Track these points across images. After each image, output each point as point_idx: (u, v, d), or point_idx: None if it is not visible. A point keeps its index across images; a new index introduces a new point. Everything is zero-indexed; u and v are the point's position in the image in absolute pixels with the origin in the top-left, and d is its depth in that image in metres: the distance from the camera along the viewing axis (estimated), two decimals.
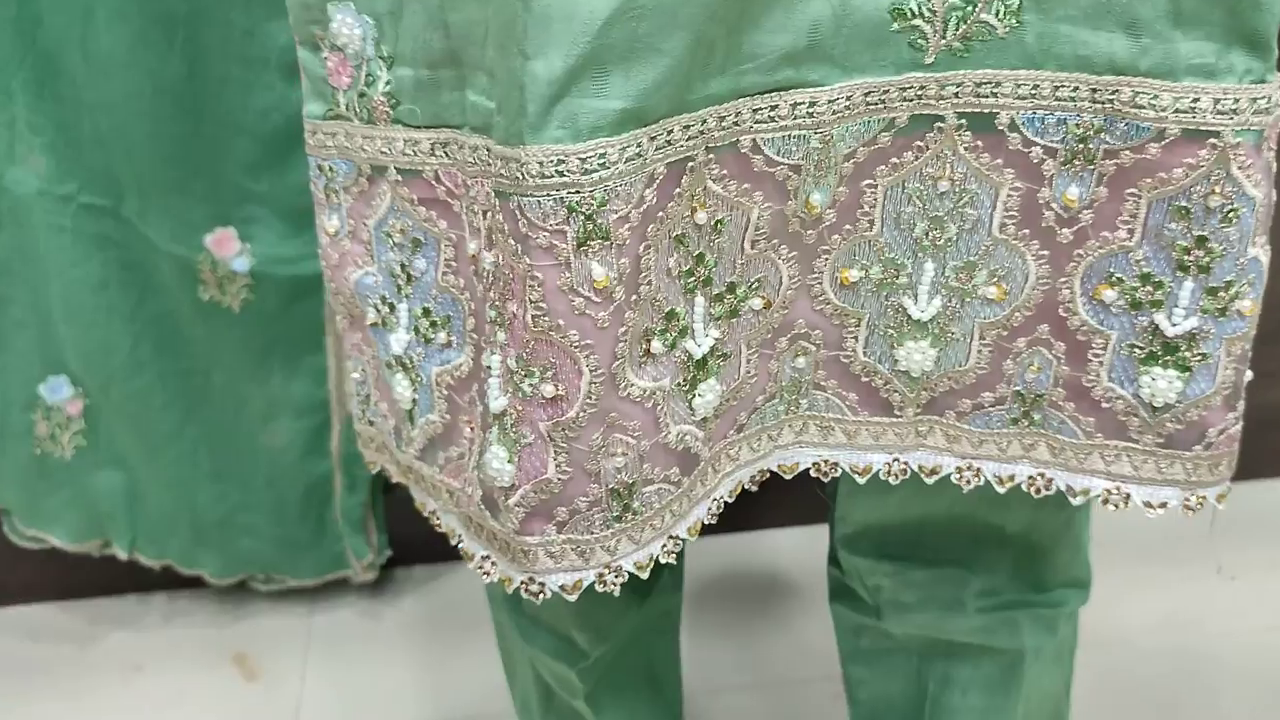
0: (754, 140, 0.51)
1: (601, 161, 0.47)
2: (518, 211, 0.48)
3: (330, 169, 0.61)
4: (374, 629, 1.27)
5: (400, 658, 1.22)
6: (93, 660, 1.23)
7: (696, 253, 0.52)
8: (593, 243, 0.48)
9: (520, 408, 0.51)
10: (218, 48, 0.98)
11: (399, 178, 0.57)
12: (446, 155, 0.55)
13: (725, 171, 0.51)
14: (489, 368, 0.53)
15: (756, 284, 0.55)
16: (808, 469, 0.63)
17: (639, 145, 0.47)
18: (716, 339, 0.55)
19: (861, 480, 0.62)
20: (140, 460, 1.15)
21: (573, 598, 0.54)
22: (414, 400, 0.60)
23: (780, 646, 1.18)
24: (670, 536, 0.58)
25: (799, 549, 1.31)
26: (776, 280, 0.56)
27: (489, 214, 0.51)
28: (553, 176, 0.47)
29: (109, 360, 1.09)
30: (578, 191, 0.47)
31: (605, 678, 0.78)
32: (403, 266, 0.59)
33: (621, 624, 0.77)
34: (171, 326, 1.10)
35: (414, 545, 1.33)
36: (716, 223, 0.52)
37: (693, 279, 0.53)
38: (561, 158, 0.47)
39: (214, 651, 1.23)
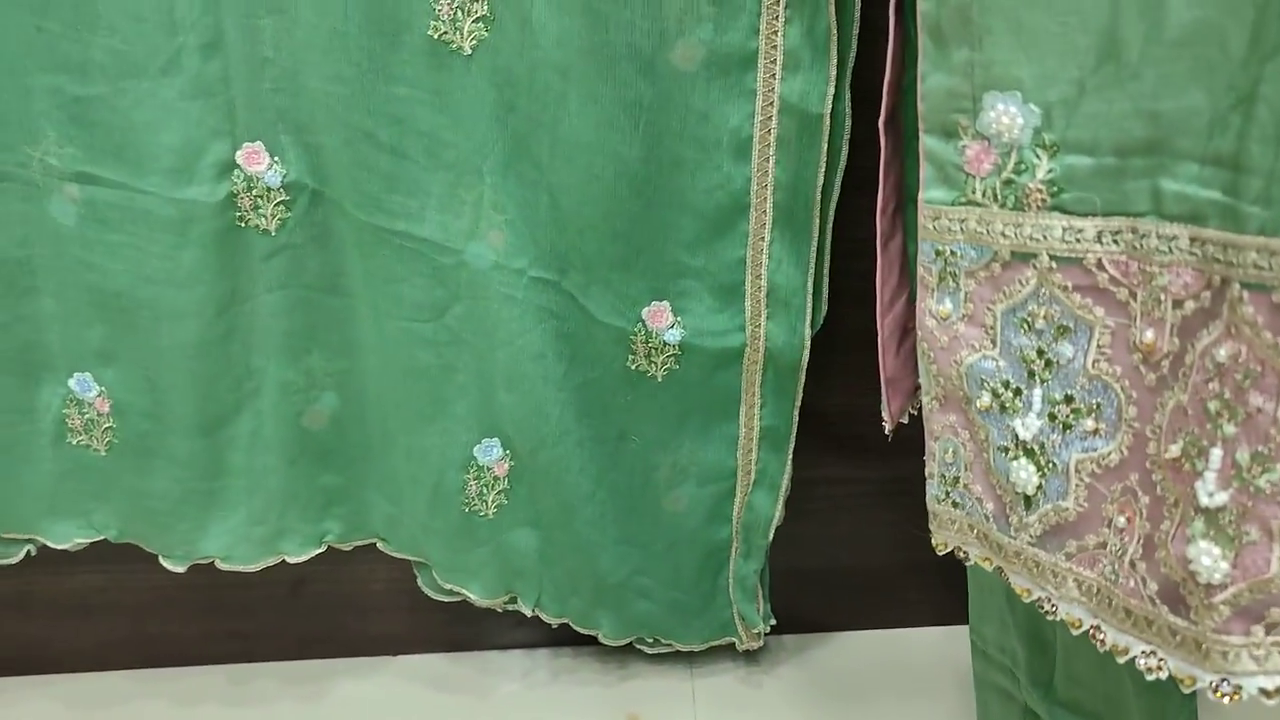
0: None
1: None
2: None
3: (953, 253, 0.62)
4: (755, 696, 1.28)
5: None
6: (489, 710, 1.27)
7: None
8: None
9: (1248, 503, 0.50)
10: (675, 130, 1.03)
11: (1052, 264, 0.58)
12: (1116, 243, 0.55)
13: None
14: (1194, 460, 0.52)
15: None
16: None
17: None
18: None
19: None
20: (554, 521, 1.20)
21: (1273, 702, 0.52)
22: (1039, 486, 0.60)
23: None
24: None
25: None
26: None
27: (1190, 303, 0.51)
28: None
29: (540, 426, 1.14)
30: None
31: None
32: (1040, 352, 0.59)
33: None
34: (595, 394, 1.14)
35: (785, 614, 1.33)
36: None
37: None
38: None
39: (607, 709, 1.26)
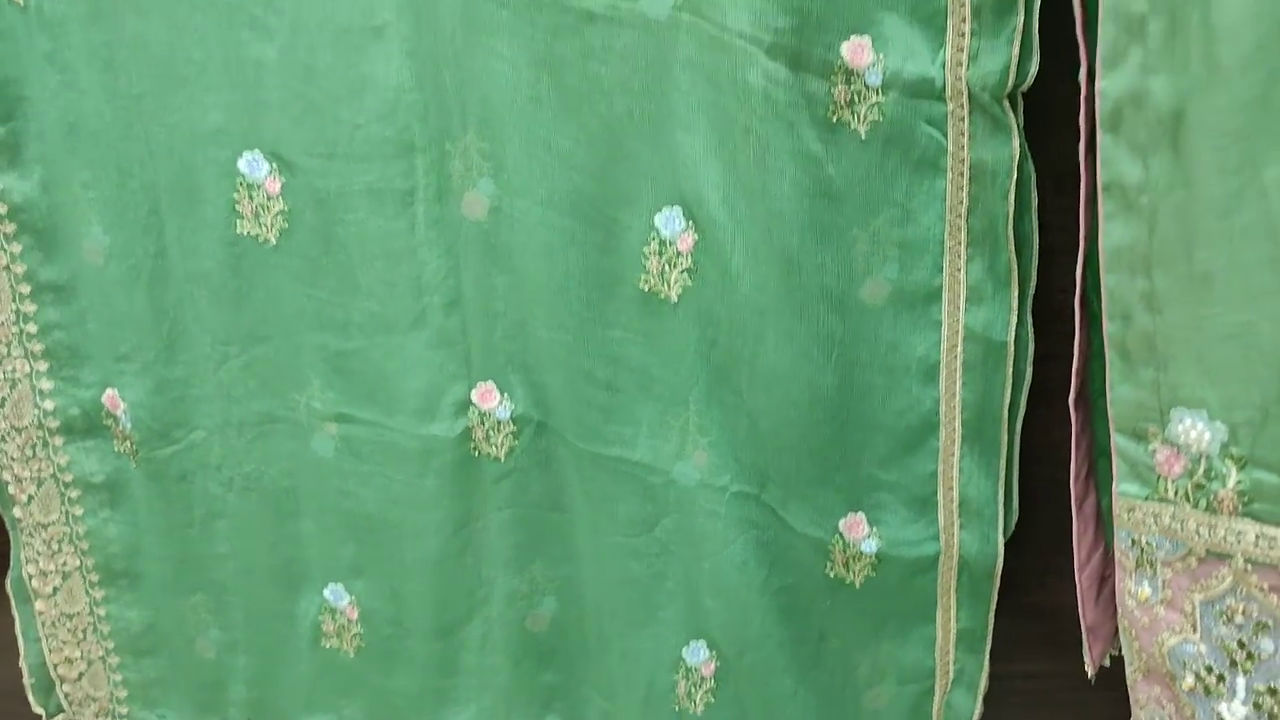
0: None
1: None
2: None
3: (1148, 544, 0.67)
4: None
5: None
6: None
7: None
8: None
9: None
10: (865, 360, 1.10)
11: (1247, 566, 0.62)
12: None
13: None
14: None
15: None
16: None
17: None
18: None
19: None
20: (759, 717, 1.25)
21: None
22: None
23: None
24: None
25: None
26: None
27: None
28: None
29: (744, 630, 1.21)
30: None
31: None
32: (1241, 644, 0.64)
33: None
34: (795, 599, 1.21)
35: None
36: None
37: None
38: None
39: None
